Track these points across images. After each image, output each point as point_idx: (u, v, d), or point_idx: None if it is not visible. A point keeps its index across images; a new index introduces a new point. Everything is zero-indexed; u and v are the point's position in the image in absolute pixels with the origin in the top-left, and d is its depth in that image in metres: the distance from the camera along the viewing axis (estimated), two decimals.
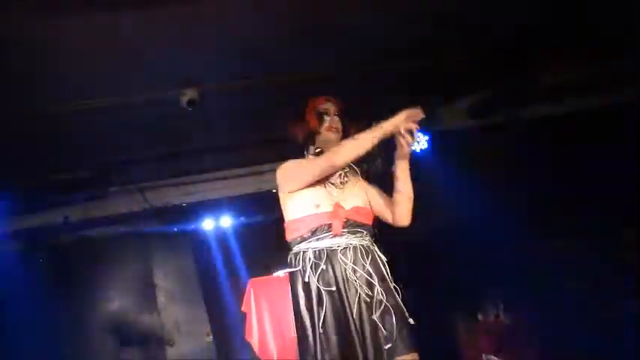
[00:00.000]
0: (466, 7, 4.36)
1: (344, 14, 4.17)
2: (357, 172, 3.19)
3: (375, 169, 3.56)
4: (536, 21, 4.76)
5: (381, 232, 3.15)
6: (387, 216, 3.13)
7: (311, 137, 3.10)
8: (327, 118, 3.08)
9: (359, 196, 3.08)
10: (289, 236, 3.04)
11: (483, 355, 5.73)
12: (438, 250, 6.36)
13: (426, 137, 6.43)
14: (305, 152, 3.13)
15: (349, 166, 3.13)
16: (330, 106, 3.10)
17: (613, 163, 6.03)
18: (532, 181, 6.29)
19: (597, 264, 6.27)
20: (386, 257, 3.03)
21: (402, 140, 2.90)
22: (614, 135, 6.09)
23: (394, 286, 2.97)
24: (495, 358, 5.61)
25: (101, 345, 6.36)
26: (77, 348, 6.20)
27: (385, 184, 3.10)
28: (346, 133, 3.07)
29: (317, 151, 3.10)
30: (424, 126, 6.17)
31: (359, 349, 2.80)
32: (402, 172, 3.02)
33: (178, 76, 4.62)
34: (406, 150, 2.94)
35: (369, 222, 3.06)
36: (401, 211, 3.08)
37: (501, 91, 6.23)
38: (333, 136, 3.07)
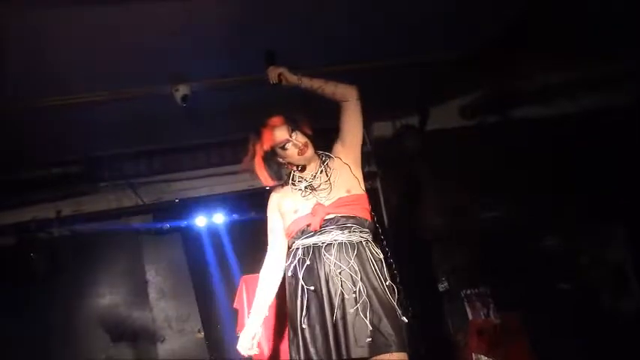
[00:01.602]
0: (456, 7, 4.34)
1: (334, 12, 4.13)
2: (330, 157, 3.14)
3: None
4: (526, 21, 4.75)
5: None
6: (348, 121, 3.08)
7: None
8: (288, 146, 3.00)
9: (344, 183, 3.03)
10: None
11: (473, 354, 5.72)
12: (429, 249, 6.36)
13: (420, 137, 6.41)
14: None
15: (321, 158, 3.09)
16: (282, 134, 3.00)
17: (605, 164, 6.05)
18: (523, 182, 6.29)
19: (588, 264, 6.29)
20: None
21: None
22: (606, 136, 6.10)
23: (389, 284, 2.94)
24: (486, 357, 5.60)
25: (92, 341, 6.31)
26: (68, 344, 6.14)
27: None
28: (309, 137, 3.04)
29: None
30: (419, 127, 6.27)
31: (342, 346, 2.79)
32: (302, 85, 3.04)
33: (172, 71, 4.58)
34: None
35: (359, 213, 2.99)
36: (336, 97, 3.05)
37: (492, 91, 6.23)
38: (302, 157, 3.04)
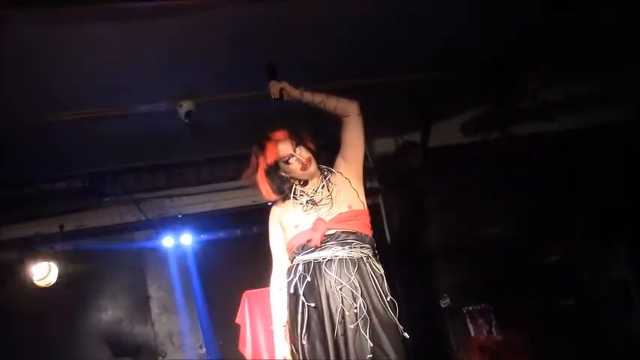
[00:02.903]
0: (457, 24, 4.37)
1: (337, 28, 4.16)
2: (332, 171, 3.14)
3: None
4: (527, 37, 4.77)
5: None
6: (350, 136, 3.08)
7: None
8: (291, 161, 3.02)
9: (345, 199, 3.03)
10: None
11: None
12: (432, 266, 6.35)
13: (423, 153, 6.41)
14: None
15: (323, 173, 3.09)
16: (286, 148, 3.02)
17: (607, 180, 6.04)
18: (524, 198, 6.28)
19: (591, 280, 6.27)
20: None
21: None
22: (609, 152, 6.10)
23: (390, 300, 2.93)
24: None
25: (94, 355, 6.28)
26: (70, 358, 6.11)
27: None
28: (313, 152, 3.04)
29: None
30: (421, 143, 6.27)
31: None
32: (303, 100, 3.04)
33: (175, 87, 4.59)
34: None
35: (359, 228, 2.99)
36: (337, 112, 3.06)
37: (494, 108, 6.24)
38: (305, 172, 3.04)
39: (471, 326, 6.01)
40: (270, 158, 3.00)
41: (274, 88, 3.03)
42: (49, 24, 3.43)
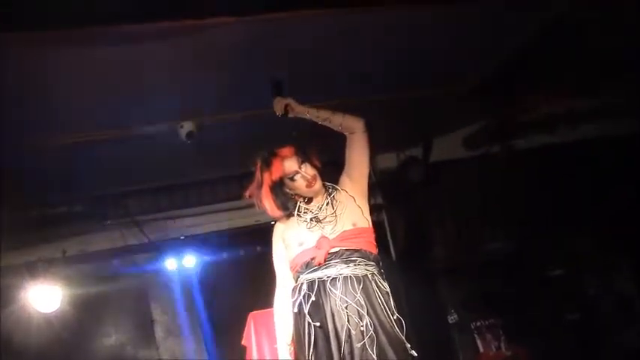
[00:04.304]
0: (459, 38, 4.39)
1: (339, 47, 4.17)
2: (336, 189, 3.13)
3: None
4: (529, 51, 4.78)
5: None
6: (355, 154, 3.07)
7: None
8: (296, 178, 2.99)
9: (349, 216, 3.01)
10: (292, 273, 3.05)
11: None
12: (438, 281, 6.32)
13: (425, 169, 6.41)
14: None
15: (328, 190, 3.07)
16: (292, 165, 2.99)
17: (611, 194, 6.02)
18: (530, 212, 6.26)
19: (596, 294, 6.23)
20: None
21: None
22: (611, 165, 6.09)
23: (397, 318, 2.90)
24: None
25: None
26: None
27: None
28: (318, 169, 3.04)
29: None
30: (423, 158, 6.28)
31: None
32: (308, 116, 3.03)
33: (176, 108, 4.60)
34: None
35: (364, 246, 2.96)
36: (342, 129, 3.04)
37: (496, 122, 6.24)
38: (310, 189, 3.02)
39: (479, 342, 5.98)
40: (275, 174, 2.98)
41: (279, 104, 3.02)
42: (47, 46, 3.44)
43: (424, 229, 6.44)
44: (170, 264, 6.48)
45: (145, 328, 6.55)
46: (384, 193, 6.53)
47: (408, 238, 6.47)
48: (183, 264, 6.50)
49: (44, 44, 3.41)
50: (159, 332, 6.60)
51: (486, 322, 5.98)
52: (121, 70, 3.90)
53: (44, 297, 5.83)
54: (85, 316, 6.23)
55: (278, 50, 4.01)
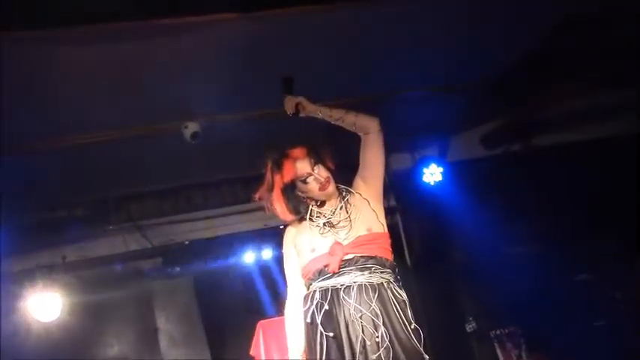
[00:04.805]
0: (476, 38, 4.38)
1: (346, 43, 4.16)
2: (350, 192, 3.11)
3: None
4: (546, 48, 4.76)
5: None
6: (370, 155, 3.04)
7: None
8: (309, 180, 2.94)
9: (364, 221, 2.98)
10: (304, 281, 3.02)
11: None
12: (455, 288, 6.30)
13: (440, 169, 6.38)
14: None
15: (341, 194, 3.05)
16: (304, 167, 2.94)
17: (632, 193, 5.97)
18: (552, 214, 6.23)
19: (623, 299, 6.19)
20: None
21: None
22: (632, 163, 6.04)
23: (414, 327, 2.87)
24: None
25: None
26: None
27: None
28: (332, 172, 3.01)
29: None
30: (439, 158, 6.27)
31: None
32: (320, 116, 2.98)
33: (180, 107, 4.60)
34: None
35: (379, 252, 2.90)
36: (356, 128, 3.00)
37: (516, 118, 6.21)
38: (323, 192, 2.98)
39: (499, 351, 5.96)
40: (286, 177, 2.94)
41: (290, 103, 2.98)
42: (45, 46, 3.44)
43: (441, 233, 6.41)
44: (175, 270, 6.47)
45: (148, 338, 6.54)
46: (398, 195, 6.50)
47: (424, 243, 6.44)
48: (188, 270, 6.49)
49: (43, 44, 3.41)
50: (163, 341, 6.59)
51: (506, 330, 5.96)
52: (122, 69, 3.91)
53: (43, 305, 5.84)
54: (86, 325, 6.24)
55: (283, 47, 3.99)
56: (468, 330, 6.13)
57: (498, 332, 5.99)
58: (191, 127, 4.74)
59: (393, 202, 6.48)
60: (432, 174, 6.37)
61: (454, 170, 6.43)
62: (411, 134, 6.05)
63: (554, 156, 6.45)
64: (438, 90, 5.10)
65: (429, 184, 6.37)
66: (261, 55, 4.00)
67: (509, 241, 6.33)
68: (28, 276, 5.90)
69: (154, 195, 6.17)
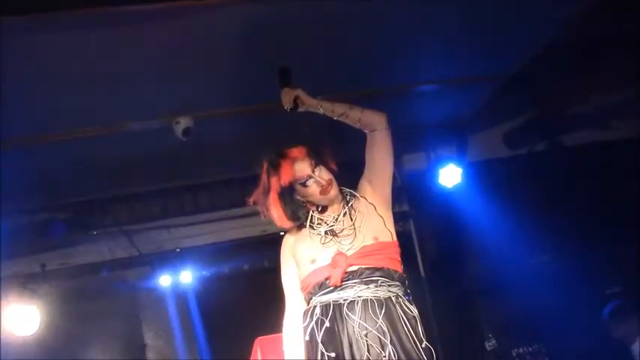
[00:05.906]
0: (500, 23, 4.37)
1: (353, 33, 4.16)
2: (355, 196, 3.09)
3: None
4: (577, 35, 4.75)
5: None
6: (377, 154, 3.03)
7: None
8: (309, 183, 2.92)
9: (370, 229, 2.96)
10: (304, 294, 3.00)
11: None
12: (474, 302, 6.29)
13: (460, 170, 6.36)
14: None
15: (345, 198, 3.04)
16: (303, 169, 2.93)
17: None
18: (579, 219, 6.21)
19: None
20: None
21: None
22: None
23: (426, 346, 2.86)
24: None
25: None
26: None
27: None
28: (334, 173, 3.00)
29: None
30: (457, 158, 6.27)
31: None
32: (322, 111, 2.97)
33: (172, 101, 4.60)
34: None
35: (387, 264, 2.88)
36: (361, 125, 3.00)
37: (540, 115, 6.20)
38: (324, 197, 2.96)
39: None
40: (284, 179, 2.92)
41: (287, 96, 2.96)
42: (19, 33, 3.41)
43: (458, 241, 6.40)
44: (164, 280, 6.49)
45: (135, 355, 6.57)
46: (411, 199, 6.50)
47: (439, 251, 6.43)
48: (178, 280, 6.50)
49: (14, 31, 3.39)
50: (151, 358, 6.62)
51: (529, 349, 5.93)
52: (108, 59, 3.90)
53: (20, 318, 5.85)
54: (67, 339, 6.27)
55: (287, 33, 3.98)
56: (488, 348, 6.10)
57: (521, 351, 5.95)
58: (183, 123, 4.75)
59: (405, 207, 6.48)
60: (450, 176, 6.33)
61: (475, 171, 6.40)
62: (426, 131, 6.05)
63: (583, 156, 6.44)
64: (453, 82, 5.09)
65: (445, 186, 6.34)
66: (262, 44, 3.99)
67: (534, 249, 6.33)
68: (4, 286, 5.92)
69: (143, 197, 6.16)
